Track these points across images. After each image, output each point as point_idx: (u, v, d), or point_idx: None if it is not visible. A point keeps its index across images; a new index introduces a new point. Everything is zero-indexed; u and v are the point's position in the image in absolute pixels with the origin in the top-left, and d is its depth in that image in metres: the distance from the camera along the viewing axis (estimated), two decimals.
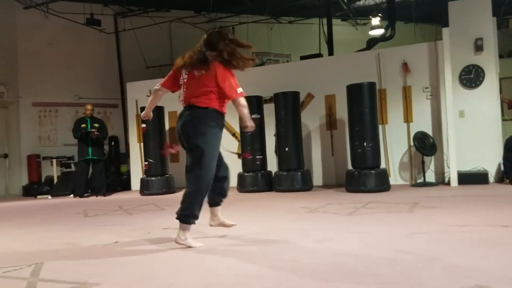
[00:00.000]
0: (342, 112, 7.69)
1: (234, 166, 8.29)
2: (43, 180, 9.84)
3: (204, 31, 12.26)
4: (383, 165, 7.09)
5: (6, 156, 10.15)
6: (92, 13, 9.77)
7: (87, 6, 9.71)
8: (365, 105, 6.64)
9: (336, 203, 5.40)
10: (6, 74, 9.89)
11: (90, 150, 8.17)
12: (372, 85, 6.78)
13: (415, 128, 7.41)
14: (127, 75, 10.91)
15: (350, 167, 6.98)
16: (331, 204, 5.27)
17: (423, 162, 7.15)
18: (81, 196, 8.22)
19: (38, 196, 8.89)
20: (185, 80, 3.21)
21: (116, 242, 3.47)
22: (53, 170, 9.46)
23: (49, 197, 8.74)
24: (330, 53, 9.75)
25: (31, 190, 9.32)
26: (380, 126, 7.13)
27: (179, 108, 3.42)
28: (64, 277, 2.43)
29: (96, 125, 8.29)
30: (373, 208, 4.81)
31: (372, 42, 9.31)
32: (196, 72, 3.17)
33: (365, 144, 6.60)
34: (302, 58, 8.86)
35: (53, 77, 10.37)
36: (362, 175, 6.52)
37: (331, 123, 8.06)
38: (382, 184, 6.53)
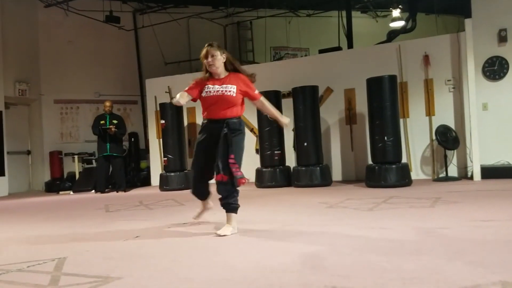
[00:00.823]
0: (362, 106, 7.59)
1: (252, 162, 8.33)
2: (65, 176, 10.02)
3: (222, 26, 12.26)
4: (404, 160, 6.99)
5: (29, 152, 10.35)
6: (111, 10, 9.86)
7: (106, 4, 9.80)
8: (385, 98, 6.54)
9: (356, 198, 5.34)
10: (28, 72, 10.07)
11: (108, 147, 8.26)
12: (393, 78, 6.67)
13: (437, 121, 7.27)
14: (146, 72, 10.99)
15: (370, 161, 6.90)
16: (351, 200, 5.21)
17: (445, 156, 7.01)
18: (102, 192, 8.34)
19: (60, 192, 9.05)
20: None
21: (137, 236, 3.50)
22: (75, 166, 9.62)
23: (71, 192, 8.89)
24: (350, 46, 9.63)
25: (54, 186, 9.49)
26: (401, 120, 7.03)
27: (196, 104, 3.61)
28: (87, 271, 2.46)
29: (115, 121, 8.37)
30: (395, 203, 4.73)
31: (393, 34, 9.17)
32: None
33: (386, 138, 6.50)
34: (321, 51, 8.77)
35: (74, 75, 10.52)
36: (383, 170, 6.43)
37: (350, 117, 7.97)
38: (403, 179, 6.43)
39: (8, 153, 9.42)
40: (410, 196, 5.26)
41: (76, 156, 9.62)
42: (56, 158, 10.03)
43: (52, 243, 3.43)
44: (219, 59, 3.44)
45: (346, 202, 4.99)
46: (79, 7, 9.99)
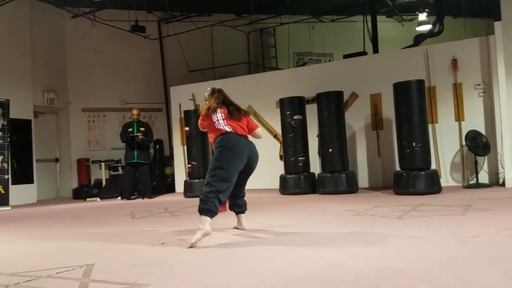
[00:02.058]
0: (388, 111, 7.47)
1: (276, 168, 8.28)
2: (92, 183, 10.19)
3: (245, 34, 12.32)
4: (433, 166, 6.81)
5: (57, 160, 10.58)
6: (136, 20, 10.03)
7: (132, 14, 9.98)
8: (413, 103, 6.41)
9: (384, 205, 5.23)
10: (56, 81, 10.32)
11: (135, 154, 8.36)
12: (420, 82, 6.54)
13: (467, 127, 7.08)
14: (171, 80, 11.12)
15: (398, 168, 6.76)
16: (378, 207, 5.10)
17: (476, 162, 6.81)
18: (128, 199, 8.43)
19: (88, 199, 9.20)
20: (223, 117, 3.78)
21: (163, 243, 3.50)
22: (101, 173, 9.77)
23: (98, 199, 9.02)
24: (375, 50, 9.52)
25: (81, 193, 9.66)
26: (429, 125, 6.88)
27: None
28: (115, 278, 2.46)
29: (142, 129, 8.48)
30: (424, 211, 4.61)
31: (420, 38, 9.01)
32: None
33: (414, 144, 6.36)
34: (346, 56, 8.70)
35: (100, 83, 10.73)
36: (411, 176, 6.29)
37: (377, 122, 7.85)
38: (432, 185, 6.27)
39: (37, 160, 9.64)
40: (440, 203, 5.12)
41: (103, 164, 9.78)
42: (83, 166, 10.22)
43: (80, 250, 3.47)
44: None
45: (373, 210, 4.88)
46: (105, 17, 10.21)
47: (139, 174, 8.54)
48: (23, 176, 9.17)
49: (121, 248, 3.44)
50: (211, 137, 3.80)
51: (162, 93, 11.39)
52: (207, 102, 3.89)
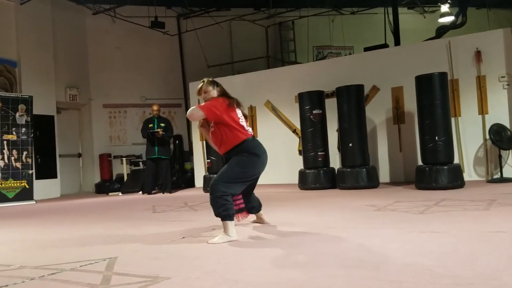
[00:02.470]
0: (410, 104, 7.35)
1: (295, 163, 8.26)
2: (114, 178, 10.35)
3: (263, 28, 12.25)
4: (456, 160, 6.69)
5: (79, 155, 10.78)
6: (156, 16, 10.10)
7: (151, 9, 10.05)
8: (436, 96, 6.29)
9: (406, 200, 5.15)
10: (78, 78, 10.49)
11: (156, 149, 8.45)
12: (443, 75, 6.41)
13: (490, 120, 6.92)
14: (190, 75, 11.18)
15: (420, 162, 6.65)
16: (400, 202, 5.03)
17: (500, 156, 6.66)
18: (149, 193, 8.54)
19: (110, 193, 9.35)
20: (241, 114, 3.51)
21: (183, 237, 3.53)
22: (123, 168, 9.92)
23: (120, 194, 9.16)
24: (397, 43, 9.37)
25: (103, 188, 9.83)
26: (452, 119, 6.74)
27: None
28: (136, 270, 2.49)
29: (162, 124, 8.56)
30: (447, 206, 4.53)
31: (442, 30, 8.84)
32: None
33: (436, 138, 6.25)
34: (366, 49, 8.59)
35: (121, 79, 10.86)
36: (434, 171, 6.18)
37: (398, 116, 7.74)
38: (455, 180, 6.16)
39: (60, 156, 9.84)
40: (463, 198, 5.03)
41: (124, 159, 9.92)
42: (105, 161, 10.39)
43: (103, 243, 3.53)
44: (211, 94, 3.50)
45: (395, 205, 4.82)
46: (125, 13, 10.31)
47: (160, 169, 8.63)
48: (47, 171, 9.38)
49: (143, 241, 3.49)
50: (227, 137, 3.35)
51: (181, 88, 11.46)
52: (209, 94, 3.46)
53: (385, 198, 5.53)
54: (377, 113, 7.92)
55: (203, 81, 3.55)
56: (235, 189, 3.31)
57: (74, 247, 3.46)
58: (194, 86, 10.04)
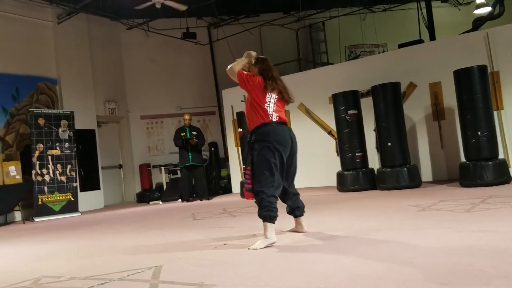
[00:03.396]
0: (449, 100, 7.12)
1: (332, 165, 8.15)
2: (154, 187, 10.56)
3: (293, 31, 12.18)
4: (501, 155, 6.41)
5: (120, 166, 11.07)
6: (187, 27, 10.27)
7: (182, 21, 10.23)
8: (476, 90, 6.07)
9: (451, 199, 4.98)
10: (116, 92, 10.80)
11: (190, 157, 8.55)
12: (482, 68, 6.18)
13: None
14: (222, 83, 11.28)
15: (463, 159, 6.42)
16: (444, 201, 4.87)
17: None
18: (188, 201, 8.65)
19: (151, 202, 9.54)
20: (275, 100, 3.53)
21: (225, 244, 3.54)
22: (162, 177, 10.10)
23: (160, 202, 9.33)
24: (432, 38, 9.12)
25: (144, 197, 10.04)
26: (495, 112, 6.47)
27: None
28: (182, 278, 2.52)
29: (194, 132, 8.68)
30: (494, 203, 4.34)
31: (479, 22, 8.52)
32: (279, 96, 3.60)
33: (479, 133, 6.02)
34: (401, 46, 8.39)
35: (156, 91, 11.10)
36: (478, 167, 5.95)
37: (438, 112, 7.50)
38: (501, 176, 5.92)
39: (102, 168, 10.14)
40: (511, 194, 4.80)
41: (162, 168, 10.12)
42: (145, 171, 10.64)
43: (147, 252, 3.59)
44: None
45: (439, 204, 4.67)
46: (158, 26, 10.56)
47: (195, 177, 8.73)
48: (90, 183, 9.68)
49: (186, 249, 3.53)
50: (251, 115, 3.50)
51: (214, 96, 11.59)
52: (245, 67, 3.61)
53: (429, 197, 5.37)
54: (415, 110, 7.71)
55: (253, 56, 3.68)
56: (271, 183, 3.32)
57: (120, 256, 3.54)
58: (227, 93, 10.18)
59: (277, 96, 3.54)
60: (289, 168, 3.56)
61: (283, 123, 3.53)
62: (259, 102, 3.47)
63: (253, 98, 3.50)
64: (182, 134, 8.65)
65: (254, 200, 3.41)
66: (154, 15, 9.84)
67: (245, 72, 3.60)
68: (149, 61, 11.16)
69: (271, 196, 3.30)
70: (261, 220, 3.34)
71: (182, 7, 8.16)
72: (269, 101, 3.48)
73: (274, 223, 3.30)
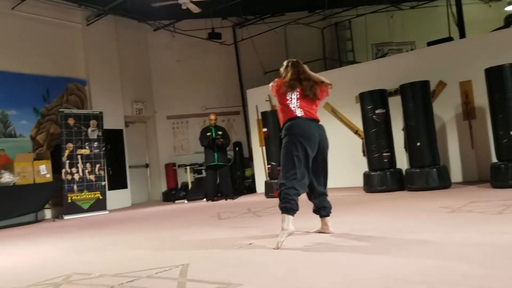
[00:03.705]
0: (480, 99, 6.93)
1: (359, 165, 8.04)
2: (179, 186, 10.67)
3: (319, 29, 12.05)
4: None
5: (147, 166, 11.23)
6: (213, 27, 10.33)
7: (208, 22, 10.30)
8: (508, 89, 5.88)
9: (482, 200, 4.84)
10: (143, 92, 10.96)
11: (216, 156, 8.60)
12: None
13: None
14: (247, 82, 11.30)
15: (494, 159, 6.23)
16: (475, 202, 4.73)
17: None
18: (212, 200, 8.70)
19: (176, 201, 9.64)
20: (297, 97, 3.61)
21: (251, 244, 3.54)
22: (187, 177, 10.20)
23: (186, 201, 9.41)
24: (462, 35, 8.89)
25: (170, 196, 10.15)
26: None
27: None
28: (209, 277, 2.53)
29: (220, 132, 8.72)
30: None
31: (511, 19, 8.25)
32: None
33: (511, 133, 5.82)
34: (430, 43, 8.21)
35: (182, 91, 11.21)
36: (510, 168, 5.77)
37: (468, 112, 7.31)
38: None
39: (129, 167, 10.31)
40: None
41: (188, 167, 10.21)
42: (170, 170, 10.76)
43: (174, 250, 3.62)
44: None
45: (470, 206, 4.54)
46: (184, 27, 10.66)
47: (220, 176, 8.77)
48: (118, 182, 9.86)
49: (212, 248, 3.54)
50: (280, 115, 3.71)
51: (239, 96, 11.61)
52: (281, 75, 3.80)
53: (459, 198, 5.23)
54: (445, 109, 7.53)
55: (283, 64, 3.85)
56: (293, 175, 3.36)
57: (148, 254, 3.59)
58: (251, 93, 10.19)
59: (298, 94, 3.61)
60: (317, 164, 3.56)
61: (310, 119, 3.56)
62: (281, 101, 3.66)
63: (279, 101, 3.70)
64: (208, 134, 8.70)
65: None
66: (180, 17, 9.93)
67: (274, 85, 3.78)
68: (175, 61, 11.28)
69: (290, 188, 3.34)
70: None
71: (196, 9, 8.18)
72: (290, 98, 3.60)
73: (291, 215, 3.31)
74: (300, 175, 3.40)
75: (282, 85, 3.66)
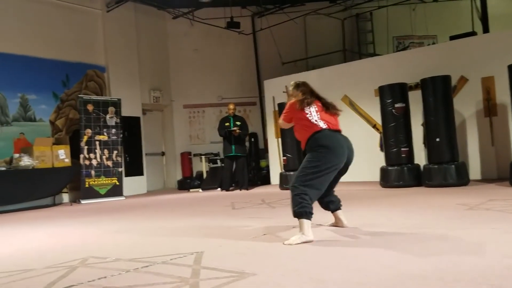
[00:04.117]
0: (503, 95, 6.78)
1: (376, 160, 7.96)
2: (194, 175, 10.74)
3: (339, 20, 11.89)
4: None
5: (163, 154, 11.31)
6: (231, 16, 10.29)
7: (227, 10, 10.26)
8: None
9: (500, 199, 4.75)
10: (161, 80, 11.01)
11: (233, 148, 8.63)
12: None
13: None
14: (264, 73, 11.25)
15: None
16: (494, 201, 4.65)
17: None
18: (227, 190, 8.74)
19: (191, 190, 9.71)
20: (316, 110, 3.49)
21: (265, 234, 3.54)
22: (202, 166, 10.25)
23: (200, 190, 9.47)
24: (485, 30, 8.69)
25: (185, 184, 10.23)
26: None
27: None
28: (223, 265, 2.54)
29: (238, 122, 8.72)
30: None
31: None
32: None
33: None
34: (452, 38, 8.04)
35: (199, 81, 11.22)
36: None
37: (490, 108, 7.16)
38: None
39: (146, 154, 10.41)
40: None
41: (203, 157, 10.25)
42: (186, 159, 10.83)
43: (189, 237, 3.65)
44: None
45: (488, 204, 4.46)
46: (203, 16, 10.64)
47: (237, 167, 8.80)
48: (135, 168, 9.97)
49: (226, 237, 3.56)
50: (300, 134, 3.49)
51: (256, 87, 11.57)
52: (293, 96, 3.63)
53: (477, 196, 5.15)
54: (466, 105, 7.39)
55: (291, 85, 3.77)
56: (313, 186, 3.19)
57: (163, 240, 3.62)
58: (269, 84, 10.15)
59: (317, 107, 3.49)
60: (338, 175, 3.44)
61: (334, 130, 3.43)
62: (301, 118, 3.48)
63: (297, 120, 3.54)
64: (226, 124, 8.72)
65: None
66: (199, 5, 9.90)
67: (285, 112, 3.67)
68: (193, 50, 11.29)
69: (306, 195, 3.17)
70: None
71: None
72: (310, 112, 3.45)
73: (310, 219, 3.18)
74: (319, 186, 3.26)
75: (297, 102, 3.52)
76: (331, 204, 3.60)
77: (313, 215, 3.20)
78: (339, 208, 3.65)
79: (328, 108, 3.52)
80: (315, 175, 3.21)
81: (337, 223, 3.69)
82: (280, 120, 3.74)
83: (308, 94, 3.55)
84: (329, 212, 3.69)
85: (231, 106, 8.89)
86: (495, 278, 1.98)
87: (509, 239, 2.79)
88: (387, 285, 1.99)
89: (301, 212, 3.15)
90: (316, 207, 3.37)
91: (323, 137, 3.32)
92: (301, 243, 3.07)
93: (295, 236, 3.14)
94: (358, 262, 2.49)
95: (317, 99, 3.55)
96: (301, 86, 3.65)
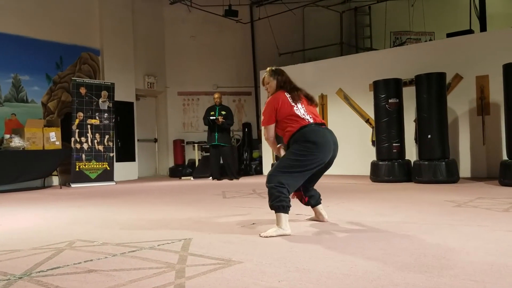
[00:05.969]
0: (496, 94, 6.82)
1: (367, 154, 8.00)
2: (186, 162, 10.73)
3: (338, 13, 11.86)
4: None
5: (155, 140, 11.28)
6: (230, 4, 10.21)
7: None
8: None
9: (489, 197, 4.81)
10: (156, 66, 10.93)
11: (216, 136, 8.59)
12: None
13: None
14: (260, 63, 11.22)
15: (505, 157, 6.16)
16: (482, 199, 4.70)
17: None
18: (218, 179, 8.74)
19: (182, 178, 9.71)
20: (302, 104, 3.33)
21: (253, 224, 3.56)
22: (194, 154, 10.24)
23: (192, 178, 9.47)
24: (483, 28, 8.70)
25: (176, 172, 10.22)
26: None
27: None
28: (210, 253, 2.56)
29: (223, 112, 8.67)
30: None
31: None
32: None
33: None
34: (449, 35, 8.06)
35: (195, 68, 11.17)
36: None
37: (483, 107, 7.21)
38: None
39: (138, 140, 10.37)
40: None
41: (196, 145, 10.24)
42: (178, 146, 10.81)
43: (178, 225, 3.66)
44: (272, 85, 3.43)
45: (476, 201, 4.51)
46: (200, 2, 10.54)
47: (222, 157, 8.77)
48: (126, 154, 9.93)
49: (215, 225, 3.57)
50: (285, 129, 3.28)
51: (251, 76, 11.54)
52: (270, 85, 3.39)
53: (466, 193, 5.20)
54: (459, 103, 7.44)
55: (266, 72, 3.51)
56: (292, 180, 3.11)
57: (151, 226, 3.63)
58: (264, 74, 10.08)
59: (302, 100, 3.34)
60: (320, 170, 3.32)
61: (320, 124, 3.29)
62: (287, 112, 3.27)
63: (282, 115, 3.28)
64: (212, 113, 8.67)
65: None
66: None
67: (262, 113, 3.43)
68: (190, 37, 11.20)
69: (282, 187, 3.07)
70: (293, 206, 3.19)
71: None
72: (297, 106, 3.28)
73: (287, 213, 3.11)
74: (299, 183, 3.20)
75: (288, 95, 3.31)
76: (312, 199, 3.53)
77: (290, 208, 3.14)
78: (319, 203, 3.59)
79: (312, 100, 3.41)
80: (297, 169, 3.11)
81: (318, 218, 3.62)
82: (264, 129, 3.42)
83: (293, 87, 3.37)
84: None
85: (217, 95, 8.84)
86: (477, 274, 2.00)
87: (494, 237, 2.82)
88: (372, 278, 2.01)
89: (279, 206, 3.07)
90: (295, 202, 3.34)
91: (311, 132, 3.17)
92: (277, 236, 3.01)
93: (272, 229, 3.09)
94: (343, 253, 2.51)
95: (298, 90, 3.37)
96: (278, 74, 3.41)
